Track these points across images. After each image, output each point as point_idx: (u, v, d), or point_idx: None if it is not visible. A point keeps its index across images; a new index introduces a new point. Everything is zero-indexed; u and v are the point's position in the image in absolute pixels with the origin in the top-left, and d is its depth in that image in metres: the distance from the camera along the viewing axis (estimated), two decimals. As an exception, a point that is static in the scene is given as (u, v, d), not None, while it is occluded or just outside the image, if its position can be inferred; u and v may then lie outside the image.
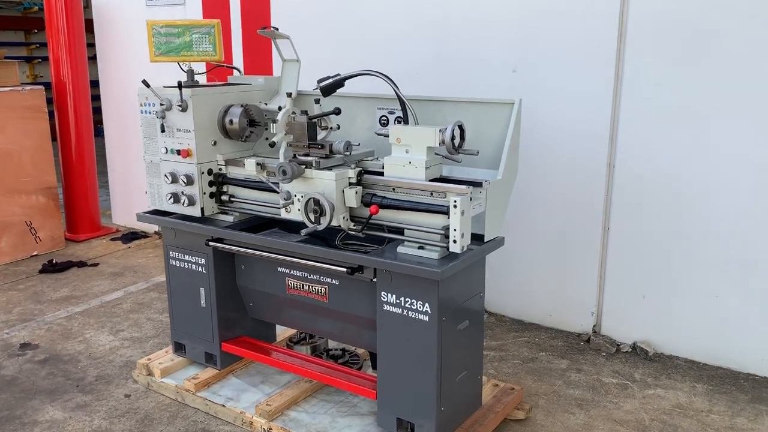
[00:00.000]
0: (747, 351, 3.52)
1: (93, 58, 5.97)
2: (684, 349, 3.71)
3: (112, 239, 5.96)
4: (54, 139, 5.61)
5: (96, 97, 6.21)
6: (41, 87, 5.45)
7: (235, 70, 3.56)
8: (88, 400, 3.32)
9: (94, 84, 6.06)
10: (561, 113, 3.81)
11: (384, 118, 3.11)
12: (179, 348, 3.49)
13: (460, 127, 2.60)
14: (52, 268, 5.15)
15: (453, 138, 2.56)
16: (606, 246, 3.85)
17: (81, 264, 5.28)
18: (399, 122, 2.99)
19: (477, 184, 2.59)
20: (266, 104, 3.26)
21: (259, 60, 5.05)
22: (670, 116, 3.51)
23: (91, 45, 5.87)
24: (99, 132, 6.15)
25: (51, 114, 5.52)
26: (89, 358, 3.75)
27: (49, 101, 5.49)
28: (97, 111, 6.15)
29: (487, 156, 2.80)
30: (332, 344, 3.54)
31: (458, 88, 4.07)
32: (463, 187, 2.48)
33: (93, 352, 3.82)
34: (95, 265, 5.30)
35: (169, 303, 3.47)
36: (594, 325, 3.97)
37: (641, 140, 3.62)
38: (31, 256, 5.46)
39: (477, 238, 2.70)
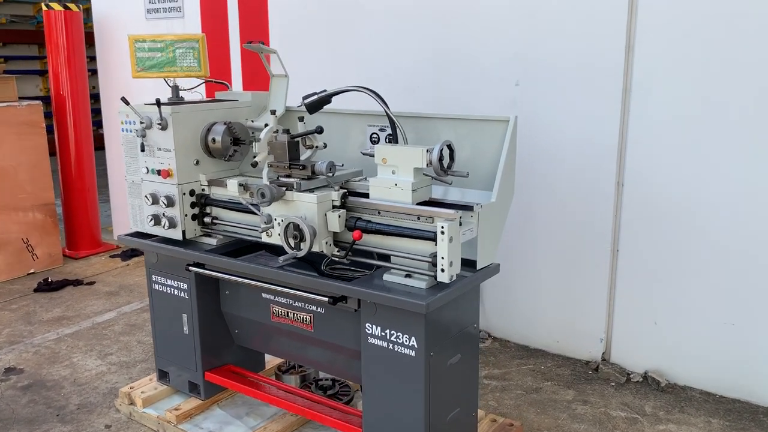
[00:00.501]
0: (767, 383, 3.28)
1: (94, 72, 5.89)
2: (699, 379, 3.48)
3: (111, 256, 5.85)
4: (53, 153, 5.52)
5: (97, 111, 6.14)
6: (39, 102, 5.37)
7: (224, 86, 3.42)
8: (67, 431, 3.17)
9: (95, 97, 5.98)
10: (566, 129, 3.61)
11: (375, 135, 2.94)
12: (163, 376, 3.34)
13: (449, 146, 2.42)
14: (47, 286, 5.04)
15: (441, 159, 2.38)
16: (615, 269, 3.64)
17: (77, 282, 5.16)
18: (389, 141, 2.81)
19: (468, 208, 2.41)
20: (252, 121, 3.11)
21: (259, 73, 4.91)
22: (682, 132, 3.30)
23: (92, 58, 5.79)
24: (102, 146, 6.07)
25: (51, 129, 5.43)
26: (73, 384, 3.61)
27: (49, 115, 5.41)
28: (99, 124, 6.07)
29: (483, 176, 2.62)
30: (323, 374, 3.36)
31: (460, 102, 3.90)
32: (451, 211, 2.30)
33: (78, 378, 3.68)
34: (91, 283, 5.18)
35: (152, 329, 3.32)
36: (603, 353, 3.75)
37: (651, 157, 3.41)
38: (28, 274, 5.36)
39: (470, 265, 2.51)
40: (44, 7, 5.50)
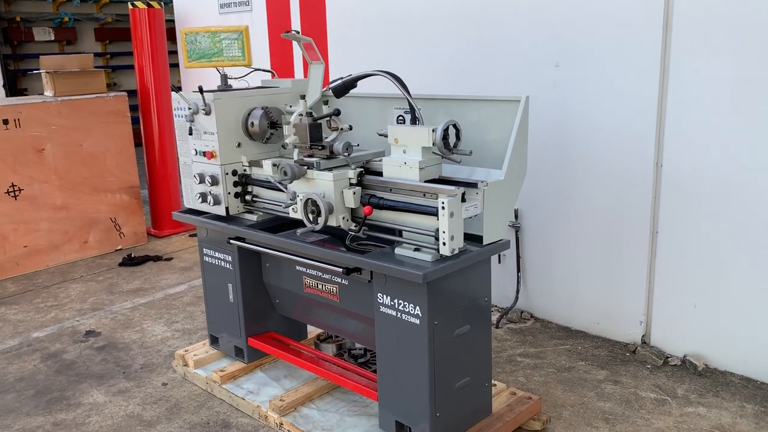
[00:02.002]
0: (810, 371, 3.17)
1: (174, 66, 6.35)
2: (739, 364, 3.40)
3: (190, 235, 6.31)
4: (138, 144, 6.02)
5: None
6: (124, 93, 5.87)
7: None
8: (130, 386, 3.55)
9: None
10: (605, 109, 3.60)
11: (401, 117, 3.09)
12: (214, 341, 3.65)
13: (455, 126, 2.53)
14: (130, 261, 5.54)
15: (446, 137, 2.50)
16: (654, 251, 3.60)
17: (156, 258, 5.64)
18: (414, 123, 2.95)
19: (473, 185, 2.52)
20: (291, 106, 3.32)
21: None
22: (722, 111, 3.22)
23: (173, 53, 6.24)
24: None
25: (135, 120, 5.93)
26: (141, 347, 4.01)
27: (133, 108, 5.91)
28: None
29: (498, 156, 2.71)
30: (357, 344, 3.56)
31: (502, 84, 3.96)
32: (452, 188, 2.42)
33: (145, 342, 4.08)
34: (169, 259, 5.65)
35: (205, 297, 3.64)
36: (643, 335, 3.72)
37: (690, 137, 3.35)
38: (116, 250, 5.90)
39: (481, 240, 2.62)
40: (130, 6, 6.00)
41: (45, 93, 5.70)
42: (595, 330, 3.92)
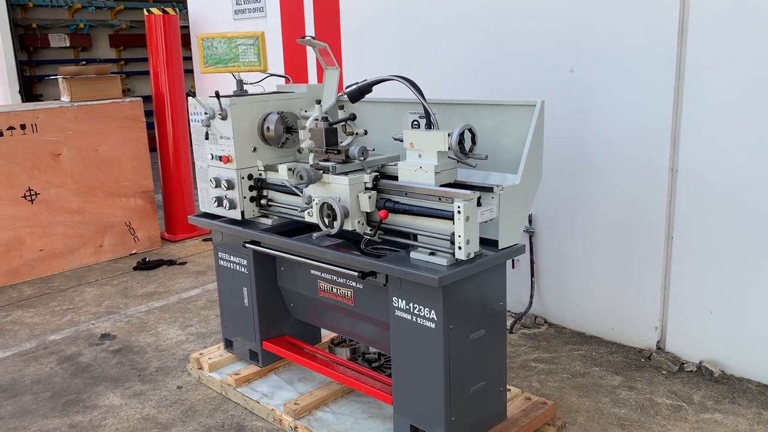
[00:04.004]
0: (828, 377, 3.14)
1: (188, 71, 6.40)
2: (756, 371, 3.37)
3: (203, 240, 6.35)
4: (153, 149, 6.07)
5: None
6: (139, 99, 5.93)
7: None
8: (145, 389, 3.57)
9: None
10: (620, 114, 3.60)
11: (416, 122, 3.10)
12: (228, 344, 3.67)
13: (470, 130, 2.54)
14: (144, 265, 5.58)
15: (461, 142, 2.51)
16: (669, 256, 3.58)
17: (171, 262, 5.68)
18: (429, 127, 2.96)
19: (489, 190, 2.52)
20: (306, 111, 3.35)
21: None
22: (737, 116, 3.21)
23: (187, 59, 6.30)
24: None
25: (150, 125, 5.99)
26: (156, 350, 4.04)
27: (148, 114, 5.97)
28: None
29: (512, 160, 2.72)
30: (372, 348, 3.56)
31: (516, 89, 3.97)
32: (468, 192, 2.42)
33: (160, 345, 4.11)
34: (183, 263, 5.68)
35: (219, 301, 3.66)
36: (658, 341, 3.70)
37: (706, 142, 3.34)
38: (130, 254, 5.94)
39: (496, 245, 2.62)
40: (145, 12, 6.06)
41: (62, 98, 5.76)
42: (610, 336, 3.91)
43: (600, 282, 3.89)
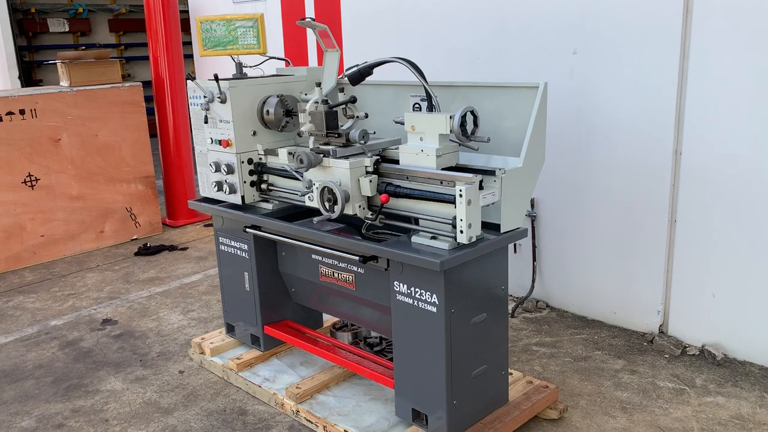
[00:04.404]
0: (831, 361, 3.13)
1: (188, 56, 6.35)
2: (759, 354, 3.36)
3: (205, 225, 6.34)
4: (153, 135, 6.04)
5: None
6: (139, 84, 5.89)
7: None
8: (147, 374, 3.58)
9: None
10: (623, 96, 3.56)
11: (417, 105, 3.07)
12: (230, 329, 3.67)
13: (472, 112, 2.51)
14: (145, 251, 5.57)
15: (463, 125, 2.48)
16: (673, 240, 3.56)
17: (172, 248, 5.67)
18: (430, 110, 2.93)
19: (491, 173, 2.50)
20: (306, 94, 3.32)
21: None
22: (742, 98, 3.17)
23: (187, 43, 6.24)
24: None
25: (150, 111, 5.96)
26: (157, 335, 4.04)
27: (148, 99, 5.93)
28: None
29: (515, 143, 2.69)
30: (373, 333, 3.56)
31: (519, 71, 3.93)
32: (469, 175, 2.40)
33: (162, 330, 4.11)
34: (184, 249, 5.67)
35: (221, 286, 3.65)
36: (660, 325, 3.69)
37: (711, 124, 3.31)
38: (131, 240, 5.94)
39: (497, 228, 2.60)
40: (144, -4, 6.01)
41: (61, 83, 5.73)
42: (612, 319, 3.90)
43: (602, 266, 3.87)
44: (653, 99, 3.45)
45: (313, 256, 3.17)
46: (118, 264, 5.37)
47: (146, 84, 6.20)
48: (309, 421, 2.97)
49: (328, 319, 3.76)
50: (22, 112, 5.19)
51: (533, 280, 4.16)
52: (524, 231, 2.68)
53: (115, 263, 5.40)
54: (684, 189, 3.47)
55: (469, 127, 2.52)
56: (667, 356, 3.51)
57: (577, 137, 3.78)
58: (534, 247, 4.12)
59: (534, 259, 4.14)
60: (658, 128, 3.46)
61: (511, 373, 3.05)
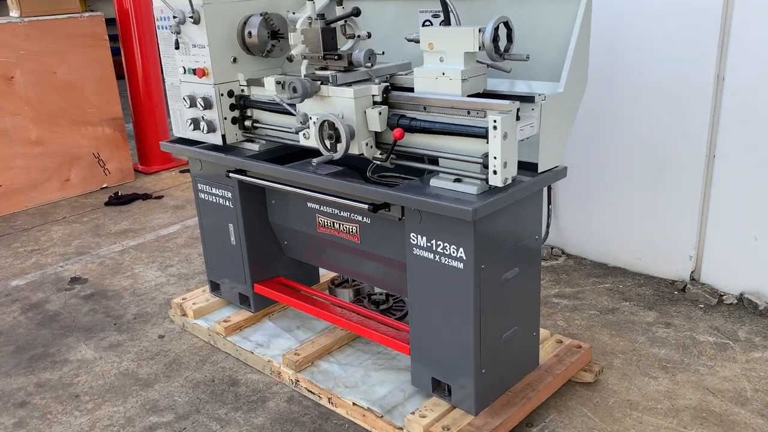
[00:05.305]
0: None
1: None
2: (805, 303, 3.04)
3: (181, 171, 5.84)
4: (120, 77, 5.46)
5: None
6: (100, 14, 5.27)
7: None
8: (122, 339, 3.17)
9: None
10: (660, 11, 3.10)
11: (428, 22, 2.59)
12: (215, 287, 3.25)
13: (506, 24, 2.05)
14: (116, 200, 5.09)
15: (496, 39, 2.02)
16: (710, 177, 3.18)
17: (146, 196, 5.19)
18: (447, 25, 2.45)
19: (529, 99, 2.06)
20: (294, 13, 2.81)
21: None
22: (802, 11, 2.74)
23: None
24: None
25: (116, 51, 5.35)
26: (132, 295, 3.61)
27: (113, 38, 5.32)
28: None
29: (549, 65, 2.26)
30: (377, 288, 3.17)
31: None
32: (506, 102, 1.96)
33: (137, 288, 3.68)
34: (159, 197, 5.20)
35: (202, 239, 3.22)
36: (692, 271, 3.34)
37: (759, 46, 2.87)
38: (101, 189, 5.43)
39: (531, 169, 2.19)
40: None
41: (10, 14, 5.08)
42: (637, 266, 3.55)
43: (626, 208, 3.49)
44: (695, 14, 3.00)
45: (309, 205, 2.74)
46: (87, 215, 4.88)
47: (110, 22, 5.55)
48: (311, 392, 2.60)
49: (326, 274, 3.35)
50: (-34, 46, 4.59)
51: (548, 225, 3.77)
52: (564, 170, 2.27)
53: (83, 214, 4.91)
54: (726, 121, 3.06)
55: (502, 43, 2.06)
56: (702, 306, 3.18)
57: (607, 59, 3.32)
58: (549, 188, 3.71)
59: (549, 202, 3.74)
60: (699, 48, 3.03)
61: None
